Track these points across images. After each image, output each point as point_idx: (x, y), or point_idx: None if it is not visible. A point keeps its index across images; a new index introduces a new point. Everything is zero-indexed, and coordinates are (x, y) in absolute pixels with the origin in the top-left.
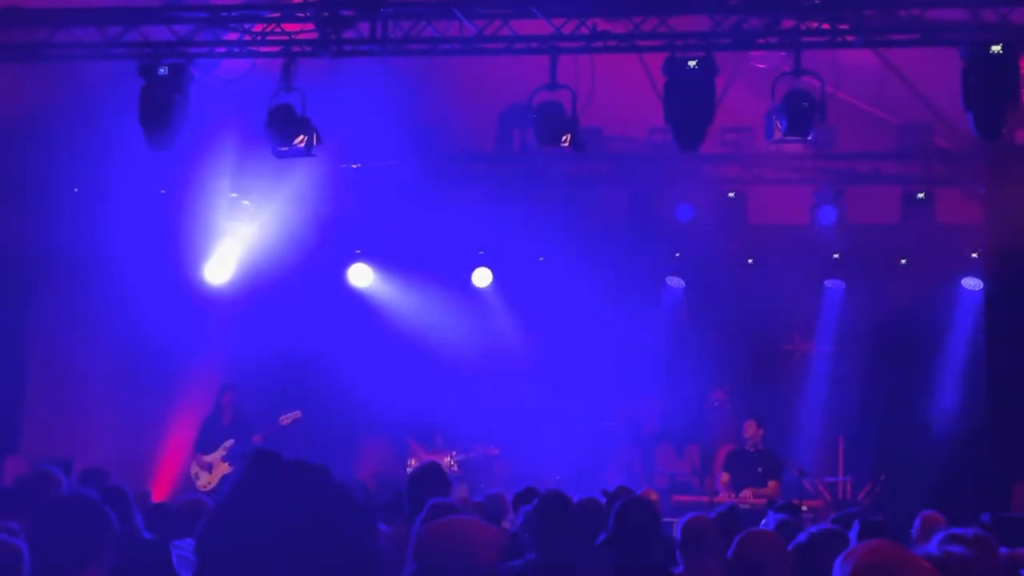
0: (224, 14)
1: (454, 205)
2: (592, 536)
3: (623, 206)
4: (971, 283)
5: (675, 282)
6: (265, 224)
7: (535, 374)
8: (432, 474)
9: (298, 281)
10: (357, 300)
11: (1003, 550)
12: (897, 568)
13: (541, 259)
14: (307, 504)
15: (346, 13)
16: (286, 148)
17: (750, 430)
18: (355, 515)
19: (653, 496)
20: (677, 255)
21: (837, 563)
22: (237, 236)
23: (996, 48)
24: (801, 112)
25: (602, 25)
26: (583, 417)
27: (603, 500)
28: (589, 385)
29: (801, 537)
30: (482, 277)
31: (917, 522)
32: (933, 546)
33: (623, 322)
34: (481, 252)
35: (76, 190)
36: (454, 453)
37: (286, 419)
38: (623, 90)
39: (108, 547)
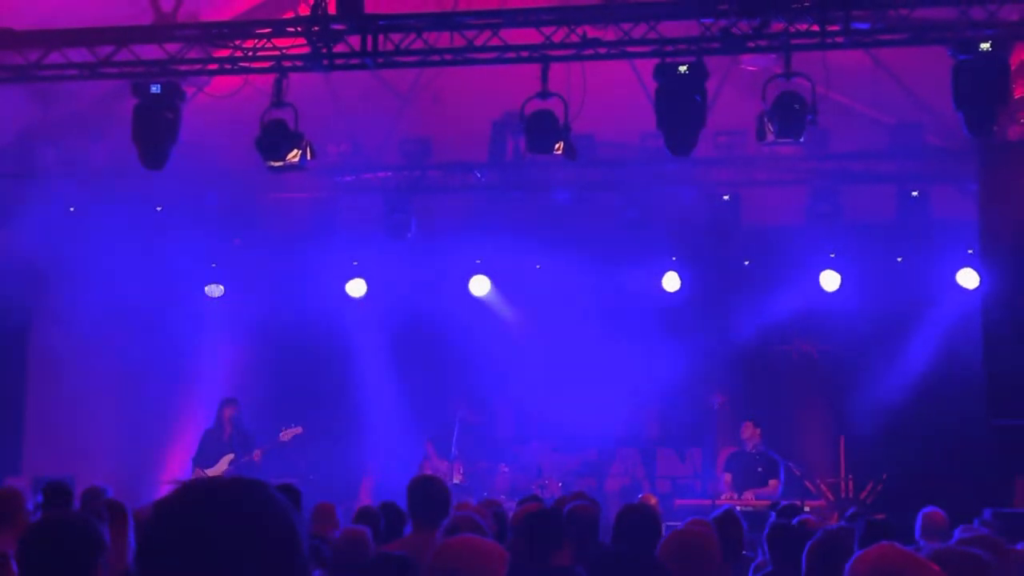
0: (215, 31)
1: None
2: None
3: (617, 212)
4: (967, 279)
5: (672, 285)
6: None
7: (534, 380)
8: (431, 489)
9: None
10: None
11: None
12: (906, 573)
13: (538, 267)
14: (230, 519)
15: (337, 27)
16: (280, 163)
17: (747, 431)
18: (281, 528)
19: (652, 500)
20: (674, 258)
21: (847, 569)
22: None
23: (985, 46)
24: (793, 114)
25: (592, 32)
26: (583, 422)
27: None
28: (588, 390)
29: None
30: (480, 285)
31: (919, 520)
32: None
33: (621, 327)
34: (478, 260)
35: (72, 209)
36: (459, 466)
37: (286, 435)
38: (615, 96)
39: (99, 566)
